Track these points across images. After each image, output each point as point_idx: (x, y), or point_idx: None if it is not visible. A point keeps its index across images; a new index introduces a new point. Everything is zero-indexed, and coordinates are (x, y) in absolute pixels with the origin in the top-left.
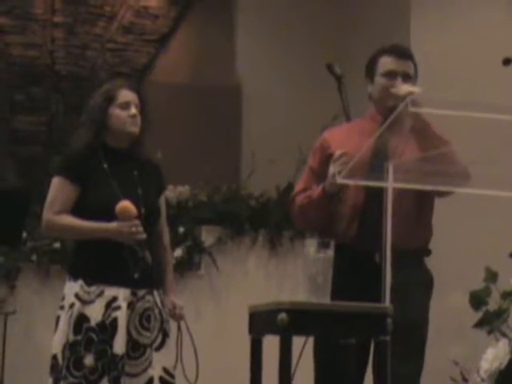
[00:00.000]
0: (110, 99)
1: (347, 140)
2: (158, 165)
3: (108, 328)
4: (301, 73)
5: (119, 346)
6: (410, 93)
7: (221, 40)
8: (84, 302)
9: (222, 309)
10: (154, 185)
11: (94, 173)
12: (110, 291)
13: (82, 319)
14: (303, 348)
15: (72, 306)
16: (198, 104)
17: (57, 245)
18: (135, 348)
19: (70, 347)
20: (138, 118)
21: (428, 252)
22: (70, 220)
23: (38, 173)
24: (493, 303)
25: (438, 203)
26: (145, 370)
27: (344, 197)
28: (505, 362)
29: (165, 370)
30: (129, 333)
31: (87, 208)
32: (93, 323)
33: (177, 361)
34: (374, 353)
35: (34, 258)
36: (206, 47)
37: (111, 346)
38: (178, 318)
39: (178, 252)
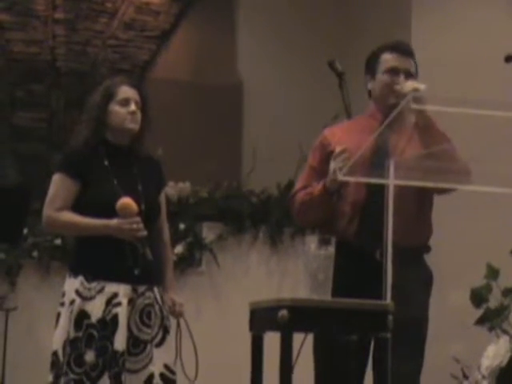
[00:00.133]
0: (109, 96)
1: (347, 138)
2: (159, 161)
3: (109, 324)
4: (302, 71)
5: (120, 342)
6: (415, 89)
7: (222, 37)
8: (84, 299)
9: (223, 305)
10: (155, 181)
11: (95, 169)
12: (111, 287)
13: (82, 315)
14: (302, 345)
15: (72, 302)
16: (199, 101)
17: (58, 241)
18: (136, 344)
19: (71, 344)
20: (138, 115)
21: (428, 249)
22: (70, 216)
23: (39, 169)
24: (494, 300)
25: (439, 200)
26: (145, 367)
27: (345, 194)
28: (506, 359)
29: (166, 366)
30: (129, 329)
31: (88, 204)
32: (93, 319)
33: (176, 358)
34: (375, 350)
35: (34, 254)
36: (208, 44)
37: (112, 343)
38: (178, 315)
39: (179, 248)
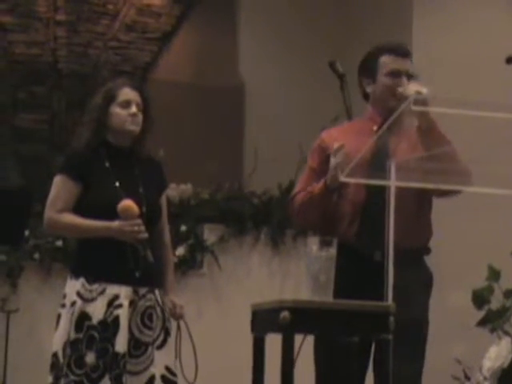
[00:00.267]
0: (110, 98)
1: (345, 140)
2: (160, 163)
3: (110, 326)
4: (303, 72)
5: (121, 344)
6: (418, 93)
7: (223, 39)
8: (86, 300)
9: (224, 307)
10: (156, 183)
11: (96, 171)
12: (112, 289)
13: (83, 317)
14: (301, 345)
15: (73, 304)
16: (201, 102)
17: (59, 243)
18: (137, 346)
19: (72, 345)
20: (139, 117)
21: (428, 250)
22: (71, 218)
23: (40, 171)
24: (495, 302)
25: (440, 201)
26: (146, 369)
27: (345, 195)
28: (507, 361)
29: (167, 368)
30: (130, 331)
31: (89, 206)
32: (94, 321)
33: (175, 360)
34: (376, 352)
35: (36, 256)
36: (209, 46)
37: (113, 345)
38: (178, 317)
39: (180, 250)
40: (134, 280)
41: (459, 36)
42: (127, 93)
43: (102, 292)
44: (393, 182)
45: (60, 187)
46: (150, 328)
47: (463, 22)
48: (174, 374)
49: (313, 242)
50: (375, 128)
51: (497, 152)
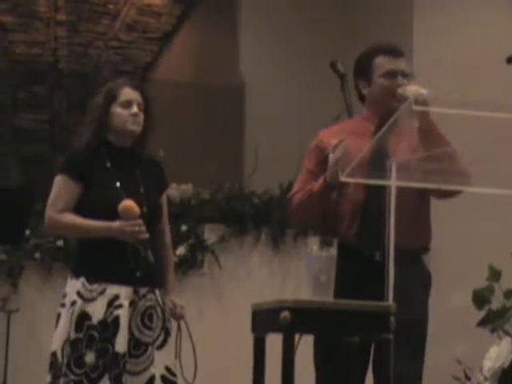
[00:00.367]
0: (111, 98)
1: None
2: (160, 163)
3: (110, 326)
4: (304, 72)
5: (121, 344)
6: (418, 95)
7: (224, 39)
8: (86, 300)
9: (225, 307)
10: (156, 183)
11: (97, 171)
12: (112, 289)
13: (83, 317)
14: (298, 343)
15: (74, 303)
16: (201, 102)
17: (60, 242)
18: (137, 346)
19: (72, 345)
20: (140, 117)
21: (426, 250)
22: (72, 218)
23: (41, 171)
24: (496, 302)
25: (441, 202)
26: (146, 369)
27: (345, 195)
28: (508, 361)
29: (167, 368)
30: (131, 331)
31: (90, 206)
32: (94, 321)
33: (175, 360)
34: (376, 352)
35: (37, 255)
36: (209, 46)
37: (113, 345)
38: (178, 317)
39: (181, 250)
40: (135, 280)
41: (460, 37)
42: (128, 93)
43: (103, 292)
44: (393, 182)
45: (61, 187)
46: (150, 328)
47: (464, 23)
48: (173, 375)
49: (313, 242)
50: (372, 129)
51: (497, 152)
